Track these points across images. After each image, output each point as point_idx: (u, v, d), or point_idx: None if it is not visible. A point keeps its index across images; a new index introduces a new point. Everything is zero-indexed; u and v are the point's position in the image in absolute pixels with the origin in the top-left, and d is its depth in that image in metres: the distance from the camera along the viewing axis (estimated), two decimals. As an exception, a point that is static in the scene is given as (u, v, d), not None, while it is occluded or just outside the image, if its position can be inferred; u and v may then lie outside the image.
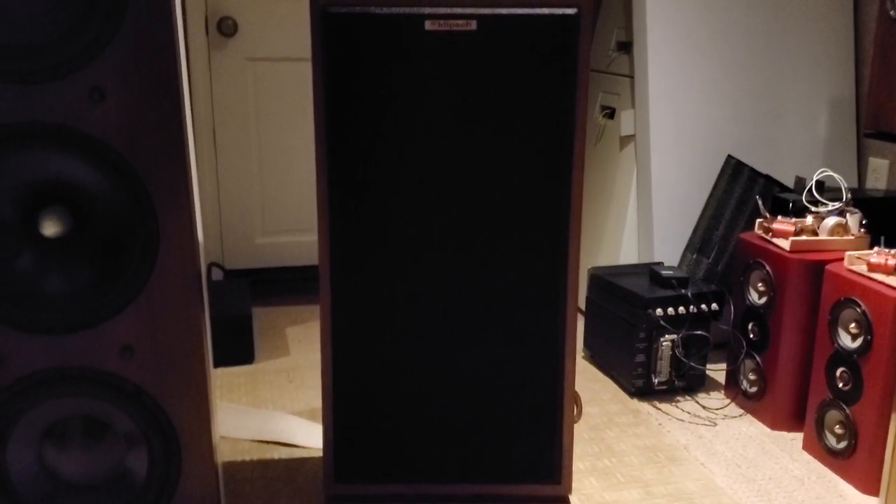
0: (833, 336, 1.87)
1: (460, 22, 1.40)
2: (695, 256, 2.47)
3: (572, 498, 1.76)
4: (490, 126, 1.47)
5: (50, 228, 1.32)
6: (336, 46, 1.42)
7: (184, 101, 1.38)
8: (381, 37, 1.41)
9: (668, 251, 2.55)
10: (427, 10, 1.39)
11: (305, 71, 2.86)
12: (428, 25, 1.40)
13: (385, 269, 1.54)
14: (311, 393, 2.24)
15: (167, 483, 1.46)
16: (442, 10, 1.39)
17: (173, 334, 1.42)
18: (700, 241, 2.47)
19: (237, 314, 2.40)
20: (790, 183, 2.52)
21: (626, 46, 2.74)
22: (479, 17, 1.40)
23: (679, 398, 2.26)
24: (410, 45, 1.41)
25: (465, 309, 1.57)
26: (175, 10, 1.35)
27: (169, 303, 1.41)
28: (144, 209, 1.36)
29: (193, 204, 1.42)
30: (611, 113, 2.81)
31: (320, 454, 1.92)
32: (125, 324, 1.40)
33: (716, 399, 2.26)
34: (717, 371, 2.37)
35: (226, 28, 2.76)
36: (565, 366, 1.60)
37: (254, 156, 2.89)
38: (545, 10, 1.40)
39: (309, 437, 1.99)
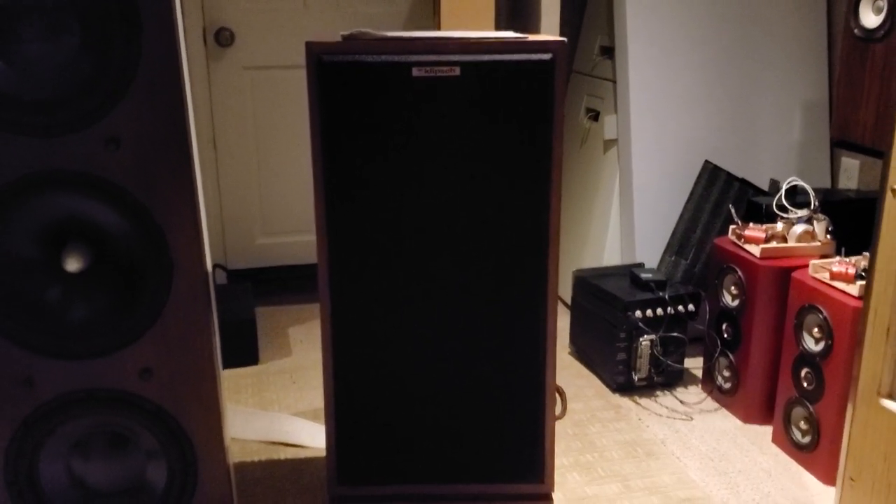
0: (798, 339, 2.01)
1: (445, 68, 1.52)
2: (673, 258, 2.60)
3: (555, 494, 1.91)
4: (474, 159, 1.60)
5: (72, 264, 1.45)
6: (331, 91, 1.54)
7: (192, 143, 1.50)
8: (372, 82, 1.53)
9: (649, 252, 2.68)
10: (414, 58, 1.51)
11: (300, 77, 2.96)
12: (415, 72, 1.52)
13: (378, 279, 1.67)
14: (314, 393, 2.39)
15: (185, 491, 1.61)
16: (428, 58, 1.51)
17: (187, 355, 1.56)
18: (678, 244, 2.60)
19: (242, 319, 2.54)
20: (765, 185, 2.65)
21: (609, 52, 2.85)
22: (462, 64, 1.52)
23: (658, 393, 2.41)
24: (399, 89, 1.53)
25: (455, 315, 1.70)
26: (183, 63, 1.46)
27: (183, 327, 1.54)
28: (158, 244, 1.49)
29: (203, 236, 1.55)
30: (595, 115, 2.92)
31: (324, 454, 2.06)
32: (144, 348, 1.53)
33: (693, 393, 2.41)
34: (695, 367, 2.52)
35: (223, 39, 2.87)
36: (546, 375, 1.75)
37: (252, 160, 3.01)
38: (522, 56, 1.52)
39: (313, 438, 2.13)
